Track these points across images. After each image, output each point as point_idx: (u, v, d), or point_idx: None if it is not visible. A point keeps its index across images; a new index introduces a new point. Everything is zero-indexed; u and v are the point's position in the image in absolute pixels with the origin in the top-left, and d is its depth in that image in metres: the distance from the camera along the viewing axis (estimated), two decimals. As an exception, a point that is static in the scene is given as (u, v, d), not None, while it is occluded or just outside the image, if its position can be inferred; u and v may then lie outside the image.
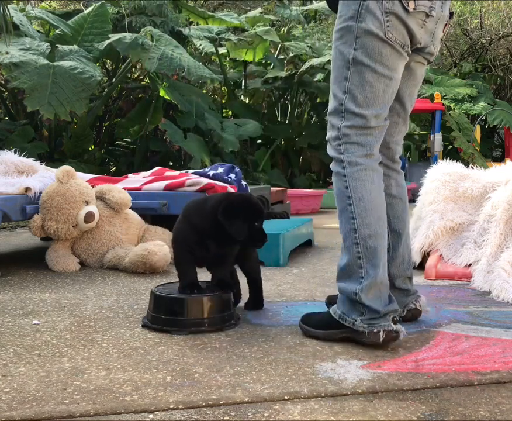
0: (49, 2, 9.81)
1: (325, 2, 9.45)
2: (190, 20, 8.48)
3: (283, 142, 8.87)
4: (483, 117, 9.21)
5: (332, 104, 1.84)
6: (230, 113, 8.83)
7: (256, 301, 2.20)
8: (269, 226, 3.35)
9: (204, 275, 2.11)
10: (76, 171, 3.16)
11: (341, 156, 1.80)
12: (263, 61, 9.05)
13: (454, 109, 9.13)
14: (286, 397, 1.39)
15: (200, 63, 6.75)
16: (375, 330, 1.72)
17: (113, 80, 7.01)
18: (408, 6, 1.73)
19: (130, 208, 3.17)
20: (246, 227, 1.93)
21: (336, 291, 1.85)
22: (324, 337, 1.82)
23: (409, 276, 2.02)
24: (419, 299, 2.01)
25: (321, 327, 1.84)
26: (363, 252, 1.75)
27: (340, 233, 1.83)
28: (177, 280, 2.04)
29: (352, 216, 1.76)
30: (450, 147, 9.30)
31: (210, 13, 8.54)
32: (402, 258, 2.00)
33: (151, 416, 1.30)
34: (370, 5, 1.72)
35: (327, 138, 1.89)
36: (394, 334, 1.73)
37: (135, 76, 8.63)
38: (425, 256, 3.00)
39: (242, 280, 2.24)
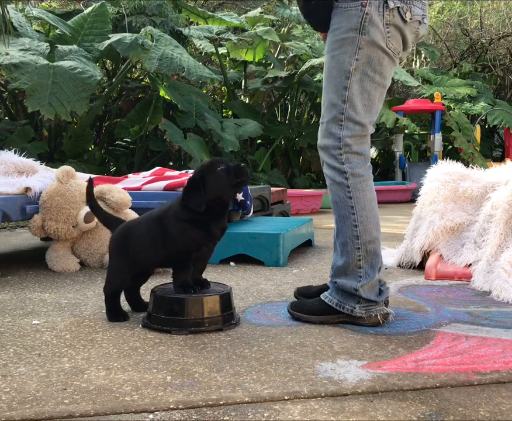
0: (49, 2, 9.81)
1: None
2: (190, 20, 8.48)
3: (283, 142, 8.87)
4: (483, 117, 9.21)
5: (331, 112, 1.91)
6: (230, 113, 8.83)
7: None
8: (269, 226, 3.36)
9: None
10: (76, 171, 3.16)
11: (343, 166, 1.90)
12: (263, 61, 9.05)
13: (454, 109, 9.13)
14: (286, 397, 1.39)
15: (200, 63, 6.75)
16: (373, 315, 1.95)
17: (113, 80, 7.01)
18: (405, 16, 1.86)
19: (130, 208, 3.17)
20: (203, 195, 1.88)
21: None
22: (320, 321, 1.99)
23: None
24: (388, 289, 2.11)
25: (315, 313, 2.00)
26: (363, 255, 1.93)
27: (336, 236, 1.98)
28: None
29: (355, 224, 1.91)
30: (450, 147, 9.30)
31: (210, 13, 8.54)
32: None
33: (151, 416, 1.30)
34: (373, 17, 1.82)
35: (323, 144, 1.97)
36: (387, 316, 1.98)
37: (135, 76, 8.64)
38: (425, 256, 3.00)
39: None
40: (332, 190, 1.95)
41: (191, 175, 1.98)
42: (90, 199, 2.20)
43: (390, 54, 1.87)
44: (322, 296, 2.02)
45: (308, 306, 2.04)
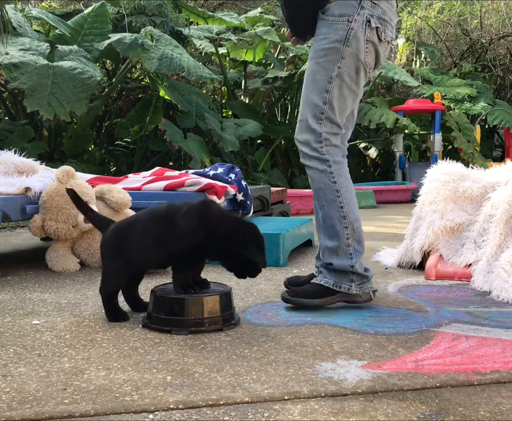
0: (49, 2, 9.81)
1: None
2: (190, 20, 8.48)
3: (283, 142, 8.86)
4: (483, 117, 9.21)
5: (312, 110, 2.15)
6: (230, 113, 8.82)
7: None
8: (269, 226, 3.35)
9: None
10: (76, 171, 3.16)
11: (325, 156, 2.14)
12: (263, 61, 9.04)
13: (454, 109, 9.13)
14: (286, 397, 1.39)
15: (200, 63, 6.75)
16: (366, 291, 2.19)
17: (113, 80, 7.01)
18: (381, 36, 2.14)
19: (130, 208, 3.17)
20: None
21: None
22: (322, 303, 2.17)
23: None
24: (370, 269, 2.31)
25: (315, 296, 2.17)
26: (351, 234, 2.15)
27: (323, 221, 2.18)
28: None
29: (341, 206, 2.14)
30: (450, 147, 9.30)
31: (210, 13, 8.54)
32: None
33: (151, 416, 1.30)
34: (357, 33, 2.09)
35: (303, 139, 2.18)
36: (375, 292, 2.24)
37: (135, 76, 8.63)
38: (425, 256, 3.00)
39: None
40: (315, 178, 2.16)
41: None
42: (79, 202, 2.20)
43: (366, 67, 2.15)
44: (315, 281, 2.19)
45: (303, 292, 2.18)
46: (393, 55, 11.14)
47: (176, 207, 1.98)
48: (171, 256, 1.97)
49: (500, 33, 11.01)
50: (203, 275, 2.06)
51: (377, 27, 2.12)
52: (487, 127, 10.42)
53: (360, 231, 2.18)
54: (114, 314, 2.04)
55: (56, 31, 6.51)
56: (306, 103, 2.16)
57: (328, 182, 2.14)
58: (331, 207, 2.14)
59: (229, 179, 3.55)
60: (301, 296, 2.17)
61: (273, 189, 4.66)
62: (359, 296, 2.17)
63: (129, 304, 2.16)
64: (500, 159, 9.51)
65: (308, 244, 3.78)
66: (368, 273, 2.20)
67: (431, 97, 8.81)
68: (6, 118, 6.72)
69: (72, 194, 2.19)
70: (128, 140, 7.63)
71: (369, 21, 2.09)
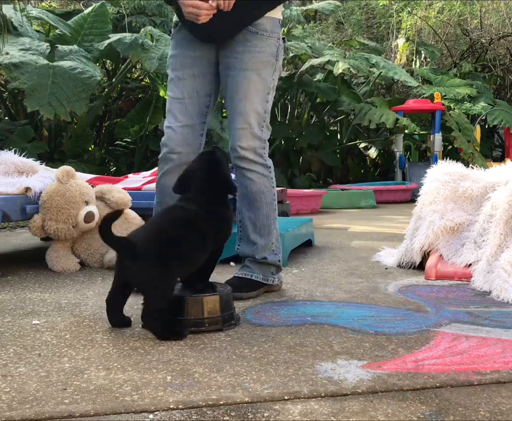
0: (49, 2, 9.81)
1: (325, 2, 9.48)
2: (190, 20, 8.45)
3: (283, 142, 8.86)
4: (483, 117, 9.21)
5: (256, 119, 2.30)
6: (230, 113, 8.81)
7: None
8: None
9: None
10: (76, 171, 3.16)
11: (267, 162, 2.36)
12: (263, 61, 9.02)
13: (454, 109, 9.13)
14: (286, 397, 1.39)
15: (200, 63, 6.74)
16: (280, 282, 2.51)
17: (113, 80, 7.01)
18: (285, 52, 2.55)
19: (130, 208, 3.17)
20: None
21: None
22: (257, 295, 2.39)
23: None
24: None
25: (249, 290, 2.37)
26: (276, 232, 2.44)
27: (260, 221, 2.36)
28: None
29: (275, 208, 2.41)
30: (450, 147, 9.30)
31: (210, 13, 8.51)
32: None
33: (151, 416, 1.30)
34: (280, 49, 2.36)
35: (249, 146, 2.29)
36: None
37: (135, 76, 8.63)
38: (425, 256, 3.00)
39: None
40: (258, 182, 2.34)
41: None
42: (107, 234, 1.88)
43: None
44: (243, 275, 2.39)
45: (236, 286, 2.28)
46: (393, 55, 11.14)
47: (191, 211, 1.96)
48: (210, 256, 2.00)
49: (500, 33, 11.00)
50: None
51: (285, 45, 2.45)
52: (487, 127, 10.42)
53: (277, 230, 2.47)
54: (173, 331, 1.86)
55: (57, 31, 6.51)
56: (251, 111, 2.29)
57: (269, 185, 2.37)
58: (269, 208, 2.38)
59: (229, 179, 3.54)
60: (243, 291, 2.34)
61: (273, 189, 4.65)
62: (278, 287, 2.49)
63: (114, 321, 1.98)
64: (500, 159, 9.50)
65: (308, 244, 3.78)
66: (281, 265, 2.50)
67: (431, 97, 8.81)
68: (6, 118, 6.72)
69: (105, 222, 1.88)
70: (128, 140, 7.63)
71: (284, 39, 2.39)
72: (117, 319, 1.97)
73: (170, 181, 2.23)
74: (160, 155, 2.41)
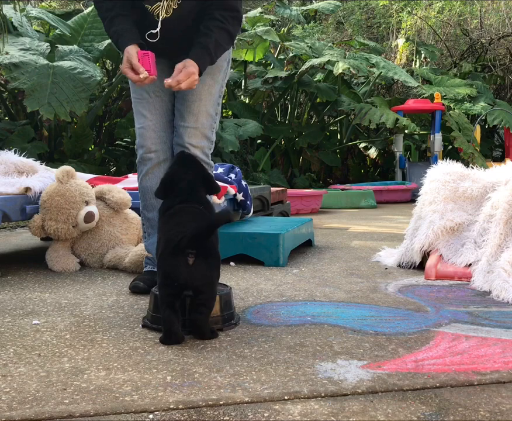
0: (49, 2, 9.81)
1: (325, 2, 9.48)
2: (190, 20, 8.45)
3: (283, 142, 8.86)
4: (483, 117, 9.21)
5: (207, 121, 2.36)
6: (230, 113, 8.82)
7: None
8: (269, 226, 3.35)
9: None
10: (76, 171, 3.16)
11: (211, 163, 2.42)
12: (263, 61, 9.04)
13: (454, 109, 9.13)
14: (286, 397, 1.39)
15: (200, 63, 6.73)
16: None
17: (113, 80, 7.01)
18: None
19: (130, 208, 3.17)
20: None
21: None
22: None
23: None
24: None
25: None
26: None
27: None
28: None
29: None
30: (450, 147, 9.30)
31: (210, 13, 8.51)
32: None
33: (151, 416, 1.30)
34: (230, 55, 2.43)
35: (198, 144, 2.34)
36: None
37: (135, 76, 8.61)
38: (425, 256, 3.00)
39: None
40: None
41: None
42: None
43: None
44: (150, 269, 2.50)
45: (152, 281, 2.36)
46: (393, 55, 11.15)
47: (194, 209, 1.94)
48: None
49: (500, 33, 11.00)
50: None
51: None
52: (487, 127, 10.42)
53: None
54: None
55: (57, 31, 6.51)
56: (204, 112, 2.35)
57: None
58: None
59: (230, 179, 3.55)
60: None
61: (273, 189, 4.67)
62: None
63: (180, 336, 1.81)
64: (500, 159, 9.50)
65: (308, 244, 3.78)
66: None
67: (431, 97, 8.81)
68: (6, 118, 6.72)
69: None
70: (128, 140, 7.62)
71: (233, 45, 2.40)
72: (181, 334, 1.80)
73: (151, 181, 2.41)
74: (137, 159, 2.47)
